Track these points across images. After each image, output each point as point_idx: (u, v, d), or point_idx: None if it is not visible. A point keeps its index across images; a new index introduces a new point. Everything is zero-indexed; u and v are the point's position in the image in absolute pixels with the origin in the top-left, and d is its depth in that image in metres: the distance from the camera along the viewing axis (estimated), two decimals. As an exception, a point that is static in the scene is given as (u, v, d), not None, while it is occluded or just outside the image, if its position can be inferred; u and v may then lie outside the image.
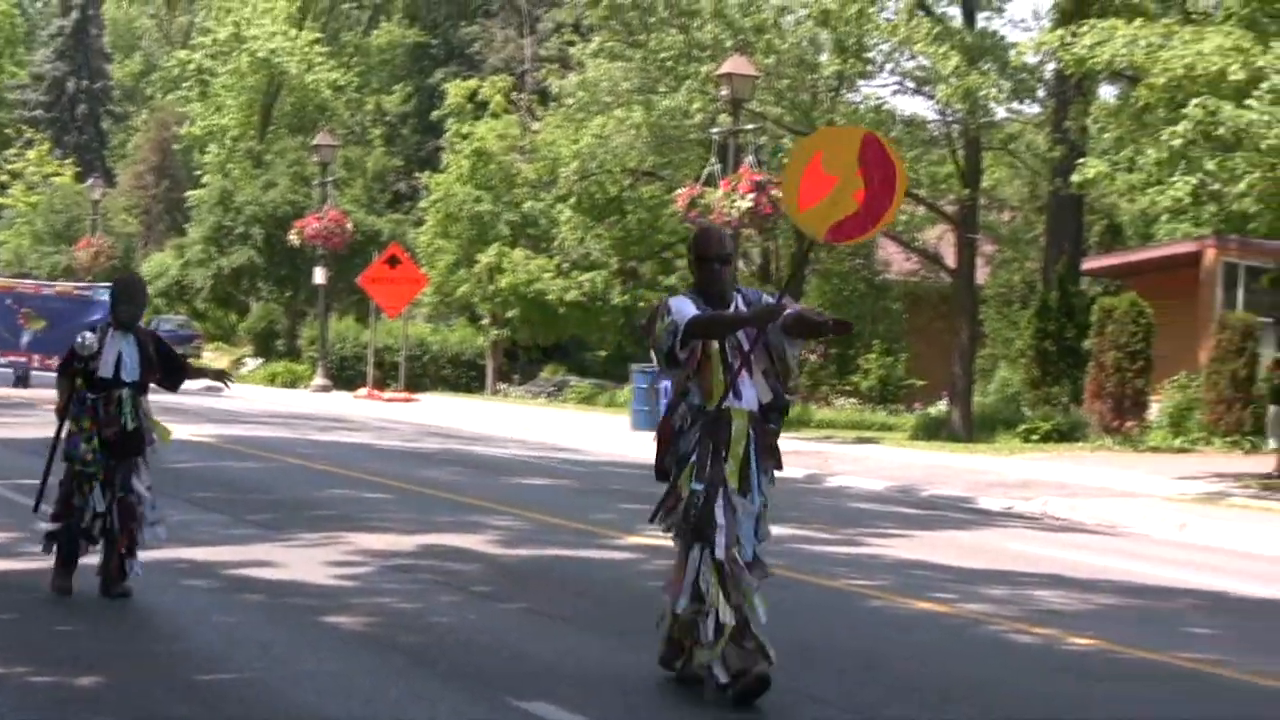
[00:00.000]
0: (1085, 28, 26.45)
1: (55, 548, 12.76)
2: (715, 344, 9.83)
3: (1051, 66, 37.04)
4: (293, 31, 74.30)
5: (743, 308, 9.95)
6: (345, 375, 57.88)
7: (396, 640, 11.43)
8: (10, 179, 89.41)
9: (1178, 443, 34.20)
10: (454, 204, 57.44)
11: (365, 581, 13.98)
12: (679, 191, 37.83)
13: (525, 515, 19.44)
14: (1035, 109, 43.15)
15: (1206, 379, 35.34)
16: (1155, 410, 36.42)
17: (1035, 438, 35.18)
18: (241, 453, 27.28)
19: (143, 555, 12.85)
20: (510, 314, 55.76)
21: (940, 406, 40.66)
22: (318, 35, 76.45)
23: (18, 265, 77.87)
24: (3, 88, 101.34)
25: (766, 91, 40.22)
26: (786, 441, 32.59)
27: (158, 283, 68.12)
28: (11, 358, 43.82)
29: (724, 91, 36.01)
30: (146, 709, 9.32)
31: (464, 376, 60.17)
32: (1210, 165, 24.66)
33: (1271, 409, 29.48)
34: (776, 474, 10.19)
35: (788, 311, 9.83)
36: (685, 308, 9.82)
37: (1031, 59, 37.03)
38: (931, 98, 39.81)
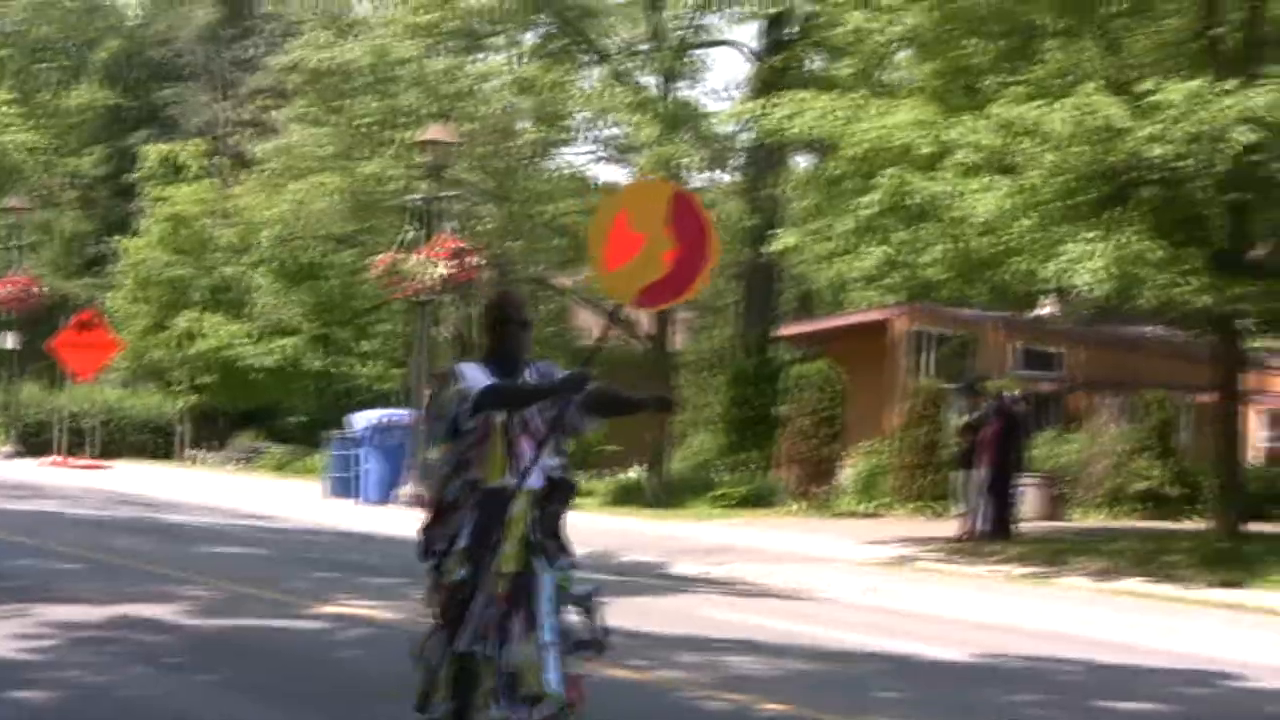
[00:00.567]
0: (780, 99, 26.93)
1: None
2: (500, 416, 9.04)
3: (747, 136, 37.65)
4: (-15, 92, 72.70)
5: (534, 379, 9.28)
6: (36, 441, 56.55)
7: (84, 715, 11.22)
8: None
9: (867, 508, 34.85)
10: (149, 268, 56.60)
11: (53, 654, 13.68)
12: (377, 257, 37.71)
13: (218, 584, 19.19)
14: (731, 178, 43.85)
15: (895, 445, 36.05)
16: (846, 475, 37.03)
17: (729, 503, 35.57)
18: (-77, 522, 26.56)
19: None
20: (206, 379, 55.03)
21: (635, 472, 40.90)
22: (11, 96, 74.82)
23: None
24: None
25: (466, 158, 40.30)
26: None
27: None
28: None
29: (423, 158, 36.02)
30: None
31: (157, 442, 59.14)
32: (900, 236, 25.26)
33: (958, 473, 30.18)
34: (568, 560, 9.36)
35: (591, 385, 9.21)
36: (478, 375, 9.04)
37: (727, 129, 37.66)
38: (630, 165, 40.29)
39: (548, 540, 9.19)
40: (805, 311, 55.00)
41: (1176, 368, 38.42)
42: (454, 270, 34.31)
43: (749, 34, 42.59)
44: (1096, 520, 34.34)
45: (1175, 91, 22.64)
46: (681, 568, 24.70)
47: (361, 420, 35.66)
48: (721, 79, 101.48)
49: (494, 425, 9.03)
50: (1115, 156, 23.44)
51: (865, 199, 24.80)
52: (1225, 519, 27.33)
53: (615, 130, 40.88)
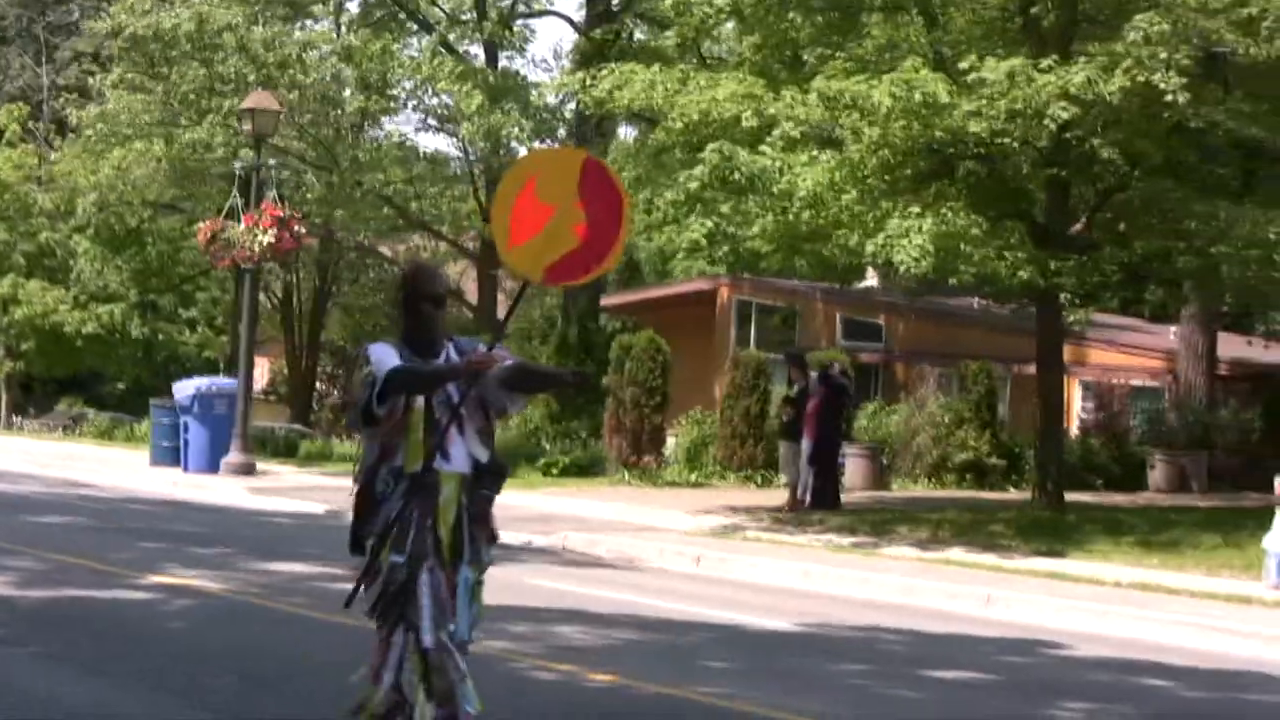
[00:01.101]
0: (605, 71, 26.96)
1: None
2: (421, 399, 8.53)
3: (572, 107, 37.68)
4: None
5: (454, 357, 8.72)
6: None
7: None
8: None
9: (694, 478, 35.04)
10: (-35, 234, 55.69)
11: None
12: (200, 225, 37.33)
13: (41, 555, 18.92)
14: (558, 148, 43.86)
15: (721, 415, 36.27)
16: (672, 445, 37.22)
17: (555, 472, 35.62)
18: None
19: None
20: (25, 346, 54.26)
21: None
22: None
23: None
24: None
25: (290, 126, 40.03)
26: (308, 477, 32.21)
27: None
28: None
29: (246, 126, 35.71)
30: None
31: (-25, 411, 58.28)
32: (725, 209, 25.40)
33: (782, 445, 30.41)
34: (493, 547, 9.00)
35: (506, 363, 8.67)
36: (386, 357, 8.48)
37: (553, 99, 37.67)
38: (455, 135, 40.26)
39: (476, 527, 8.77)
40: (631, 281, 55.18)
41: (998, 340, 39.07)
42: (277, 239, 34.00)
43: (574, 4, 42.63)
44: (920, 491, 34.78)
45: (995, 69, 22.96)
46: (508, 536, 24.49)
47: (186, 388, 35.27)
48: (546, 48, 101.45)
49: (415, 408, 8.54)
50: (937, 132, 23.75)
51: (689, 172, 24.90)
52: (1046, 489, 27.82)
53: (440, 100, 40.77)
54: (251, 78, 38.96)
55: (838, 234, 25.16)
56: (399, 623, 8.56)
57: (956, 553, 23.47)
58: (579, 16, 43.04)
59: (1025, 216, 26.83)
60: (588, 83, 27.17)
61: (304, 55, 40.90)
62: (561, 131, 42.23)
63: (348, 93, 43.14)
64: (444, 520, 8.59)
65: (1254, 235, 24.94)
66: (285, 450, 40.49)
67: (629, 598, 18.05)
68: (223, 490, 30.55)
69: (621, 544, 23.61)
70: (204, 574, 17.75)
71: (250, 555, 20.01)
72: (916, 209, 24.51)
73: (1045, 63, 23.30)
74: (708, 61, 33.65)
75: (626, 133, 45.52)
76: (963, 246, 24.46)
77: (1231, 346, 42.54)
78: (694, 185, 24.82)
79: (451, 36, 42.02)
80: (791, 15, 26.82)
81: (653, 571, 21.45)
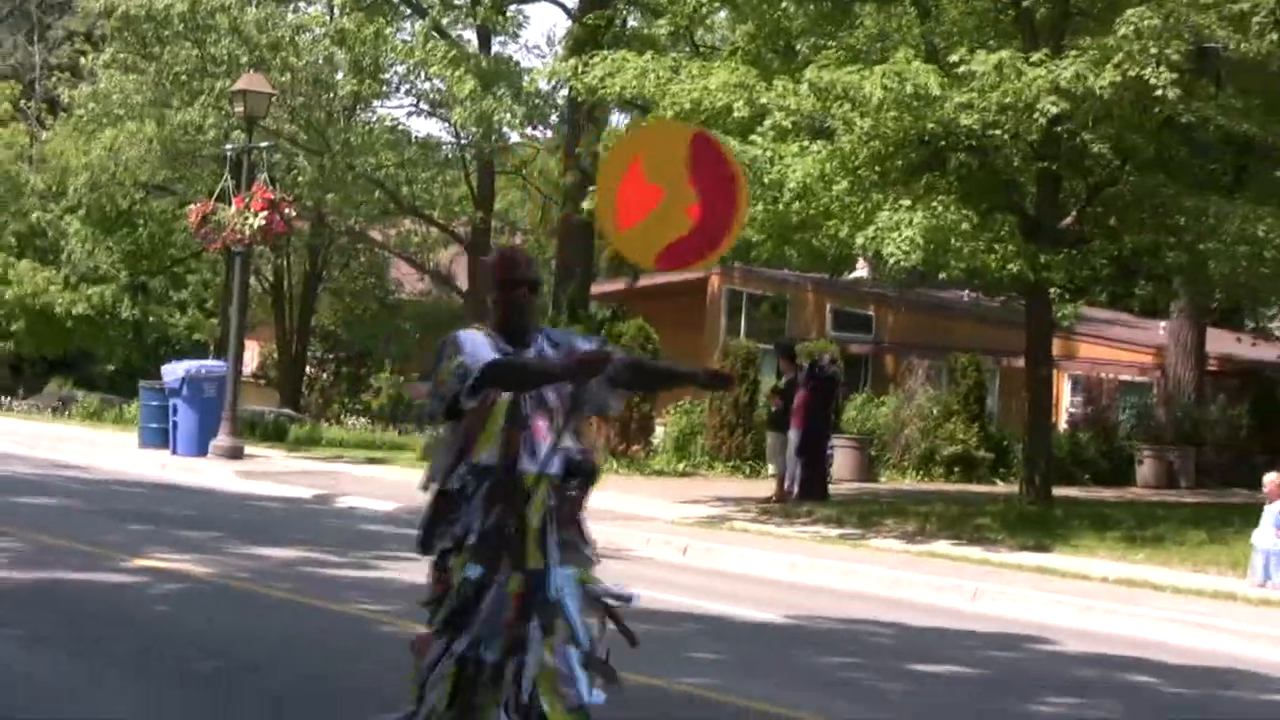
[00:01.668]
0: (597, 58, 26.96)
1: None
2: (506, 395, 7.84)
3: (565, 93, 37.66)
4: None
5: (548, 350, 8.03)
6: None
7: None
8: None
9: (682, 467, 35.06)
10: (-44, 213, 55.66)
11: None
12: (191, 207, 37.27)
13: (28, 536, 18.90)
14: (549, 135, 43.88)
15: (709, 405, 36.28)
16: (660, 434, 37.23)
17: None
18: None
19: None
20: (15, 326, 54.22)
21: (451, 427, 40.78)
22: None
23: None
24: None
25: (282, 109, 40.00)
26: (297, 462, 32.15)
27: None
28: None
29: (238, 108, 35.65)
30: None
31: (-35, 390, 58.23)
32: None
33: (770, 435, 30.43)
34: (587, 553, 8.12)
35: (617, 359, 7.92)
36: (480, 348, 7.77)
37: (545, 86, 37.65)
38: (447, 120, 40.24)
39: (566, 532, 7.96)
40: (621, 269, 55.15)
41: (988, 332, 39.11)
42: (268, 222, 33.96)
43: (569, -9, 42.53)
44: (908, 483, 34.87)
45: (984, 62, 22.99)
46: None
47: (175, 371, 35.22)
48: (540, 34, 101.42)
49: (501, 402, 7.81)
50: (928, 124, 23.78)
51: (681, 162, 24.87)
52: (1033, 484, 27.86)
53: (433, 84, 40.75)
54: (244, 59, 38.92)
55: (828, 225, 25.17)
56: (447, 631, 7.85)
57: (943, 546, 23.51)
58: (572, 2, 42.98)
59: (1016, 210, 26.86)
60: (579, 70, 27.18)
61: (297, 38, 40.86)
62: (554, 118, 42.20)
63: (340, 76, 43.09)
64: (529, 527, 7.80)
65: (1243, 231, 25.01)
66: (274, 434, 40.46)
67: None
68: (211, 473, 30.54)
69: (608, 533, 23.51)
70: (191, 557, 17.74)
71: (238, 539, 20.00)
72: (907, 202, 24.53)
73: (1036, 56, 23.34)
74: (701, 50, 33.67)
75: (619, 120, 45.47)
76: (953, 240, 24.46)
77: (1221, 342, 42.62)
78: (684, 175, 24.80)
79: (445, 21, 41.99)
80: (784, 4, 26.85)
81: (639, 560, 21.43)
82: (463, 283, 41.24)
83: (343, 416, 47.59)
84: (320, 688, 11.39)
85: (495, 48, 41.61)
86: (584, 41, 34.27)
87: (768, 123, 24.37)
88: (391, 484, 30.28)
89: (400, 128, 42.92)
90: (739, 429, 35.49)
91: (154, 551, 18.10)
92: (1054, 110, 22.87)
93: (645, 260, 8.29)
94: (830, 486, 29.73)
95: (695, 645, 14.43)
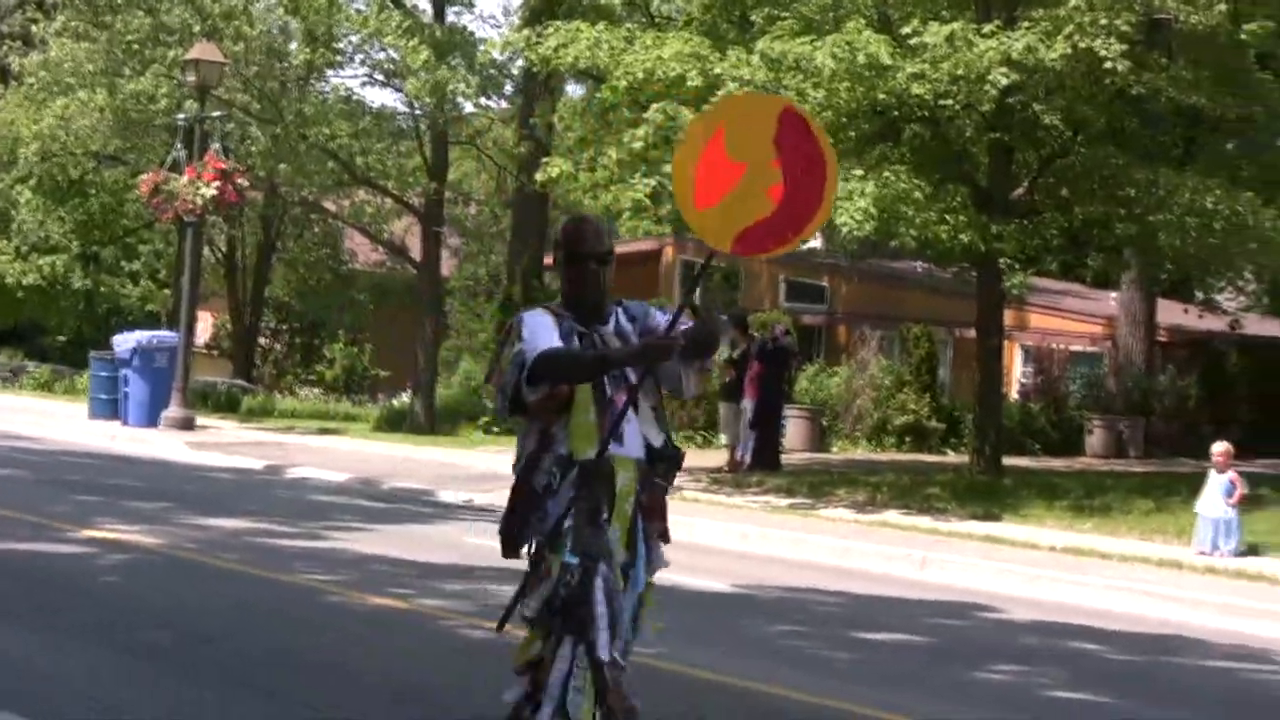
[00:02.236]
0: (550, 29, 26.94)
1: None
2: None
3: (520, 64, 37.60)
4: None
5: (624, 324, 7.65)
6: None
7: None
8: None
9: (635, 436, 35.05)
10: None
11: None
12: (143, 176, 37.11)
13: (-24, 508, 18.89)
14: (504, 105, 43.77)
15: (663, 374, 36.26)
16: (614, 404, 37.19)
17: (497, 430, 35.63)
18: None
19: None
20: (-35, 296, 53.98)
21: (405, 398, 40.87)
22: None
23: None
24: None
25: (235, 79, 39.84)
26: (249, 433, 32.02)
27: None
28: None
29: (191, 77, 35.49)
30: None
31: (-87, 361, 57.95)
32: (668, 169, 25.43)
33: (722, 406, 30.49)
34: (664, 546, 7.79)
35: (685, 327, 7.47)
36: (541, 332, 7.38)
37: (499, 56, 37.56)
38: (401, 90, 40.10)
39: (650, 522, 7.63)
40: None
41: (941, 303, 39.19)
42: (221, 192, 33.85)
43: (524, -40, 42.42)
44: (860, 453, 34.98)
45: (936, 33, 23.05)
46: (448, 495, 24.76)
47: (126, 341, 35.12)
48: (495, 4, 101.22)
49: (583, 391, 7.39)
50: (880, 94, 23.82)
51: (634, 131, 24.93)
52: (984, 454, 28.00)
53: (387, 54, 40.59)
54: (197, 28, 38.72)
55: (781, 195, 25.17)
56: (567, 633, 7.36)
57: (893, 515, 23.62)
58: (528, -28, 42.95)
59: (968, 180, 26.95)
60: (533, 40, 27.16)
61: (250, 7, 40.68)
62: (509, 88, 42.12)
63: (294, 45, 42.93)
64: (620, 513, 7.43)
65: (1193, 203, 25.15)
66: (227, 405, 40.42)
67: (566, 556, 18.02)
68: (162, 444, 30.48)
69: (560, 503, 23.58)
70: (141, 529, 17.73)
71: (188, 510, 19.98)
72: (860, 172, 24.58)
73: (988, 28, 23.41)
74: (657, 20, 33.64)
75: (575, 90, 45.41)
76: (905, 209, 24.50)
77: (1171, 313, 42.81)
78: (638, 145, 24.87)
79: (399, -10, 41.89)
80: (740, -27, 26.89)
81: (591, 530, 21.45)
82: (416, 253, 41.11)
83: (296, 387, 47.54)
84: (270, 658, 11.41)
85: (450, 18, 41.38)
86: (540, 12, 34.18)
87: (721, 93, 24.37)
88: (344, 454, 30.30)
89: (354, 98, 42.77)
90: (691, 399, 35.52)
91: (103, 522, 18.09)
92: (1005, 81, 22.96)
93: (722, 243, 7.53)
94: (782, 457, 29.84)
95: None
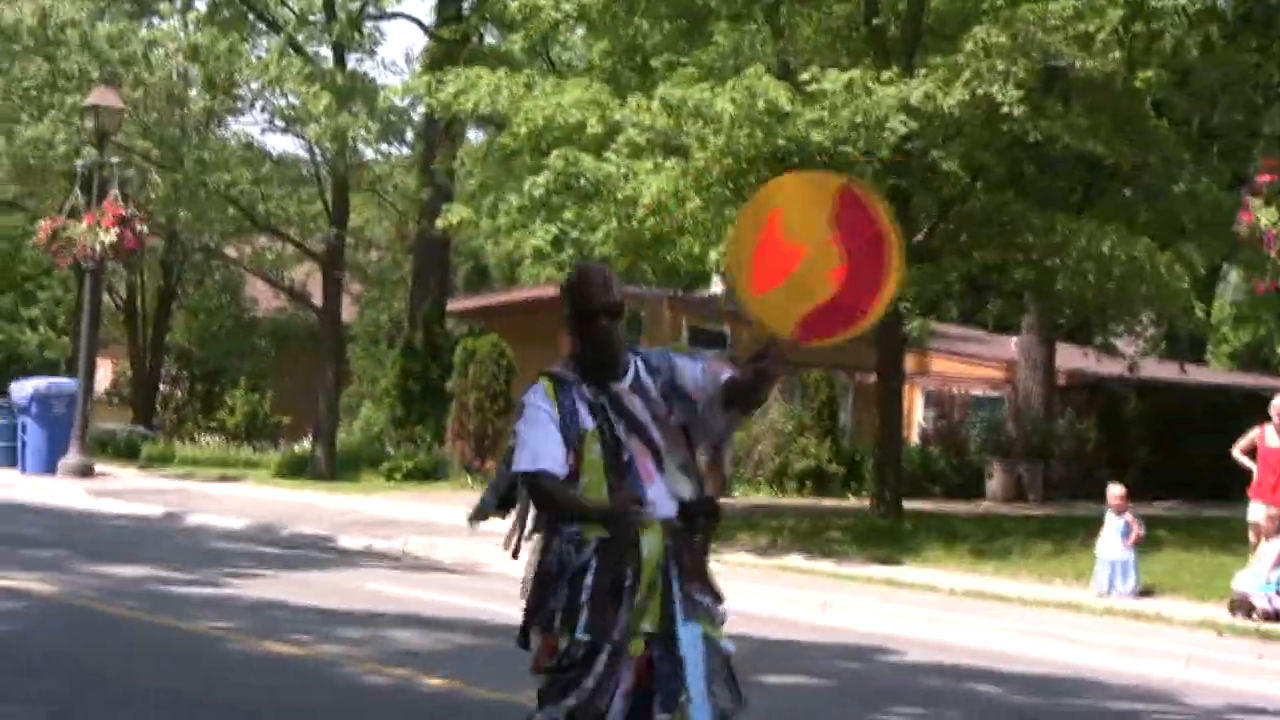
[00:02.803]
0: (450, 75, 26.96)
1: None
2: (592, 422, 6.87)
3: (421, 110, 37.63)
4: None
5: (645, 378, 7.04)
6: None
7: None
8: None
9: (537, 482, 34.97)
10: None
11: None
12: (41, 222, 36.87)
13: None
14: (406, 151, 43.77)
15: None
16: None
17: (398, 476, 35.56)
18: None
19: None
20: None
21: (306, 444, 40.69)
22: None
23: None
24: None
25: (134, 124, 39.64)
26: (148, 480, 31.78)
27: None
28: None
29: (90, 123, 35.31)
30: None
31: None
32: (570, 214, 25.49)
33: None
34: (720, 607, 7.01)
35: (724, 377, 7.02)
36: (534, 430, 6.87)
37: (400, 102, 37.57)
38: (302, 136, 40.01)
39: (691, 584, 6.90)
40: (479, 286, 55.10)
41: (842, 348, 39.24)
42: (120, 238, 33.66)
43: (425, 7, 42.51)
44: (761, 498, 35.01)
45: (835, 80, 23.18)
46: (348, 541, 24.66)
47: (24, 389, 34.87)
48: (397, 50, 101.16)
49: (588, 449, 6.85)
50: (780, 140, 23.90)
51: (534, 179, 24.97)
52: (884, 497, 28.09)
53: (288, 100, 40.49)
54: (95, 74, 38.53)
55: (681, 241, 25.26)
56: (551, 700, 6.97)
57: (795, 559, 23.69)
58: (430, 19, 42.96)
59: (867, 226, 27.02)
60: (433, 86, 27.17)
61: (150, 53, 40.49)
62: (410, 134, 42.12)
63: (194, 92, 42.76)
64: (647, 581, 6.79)
65: (1090, 249, 25.33)
66: (127, 452, 40.12)
67: (467, 602, 18.01)
68: (60, 492, 30.22)
69: (463, 548, 23.57)
70: (38, 576, 17.56)
71: (85, 558, 19.82)
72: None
73: (886, 75, 23.55)
74: (558, 67, 33.74)
75: (476, 136, 45.46)
76: (805, 255, 24.55)
77: (1070, 358, 43.10)
78: (539, 191, 24.91)
79: (300, 37, 41.70)
80: (639, 21, 26.97)
81: (493, 576, 21.37)
82: (318, 299, 40.98)
83: (197, 434, 47.21)
84: (168, 704, 11.31)
85: (351, 64, 41.36)
86: (441, 58, 34.26)
87: (621, 139, 24.45)
88: (244, 501, 30.13)
89: (255, 145, 42.69)
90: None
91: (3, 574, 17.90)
92: (904, 129, 23.09)
93: (784, 329, 6.95)
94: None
95: (545, 659, 14.39)
